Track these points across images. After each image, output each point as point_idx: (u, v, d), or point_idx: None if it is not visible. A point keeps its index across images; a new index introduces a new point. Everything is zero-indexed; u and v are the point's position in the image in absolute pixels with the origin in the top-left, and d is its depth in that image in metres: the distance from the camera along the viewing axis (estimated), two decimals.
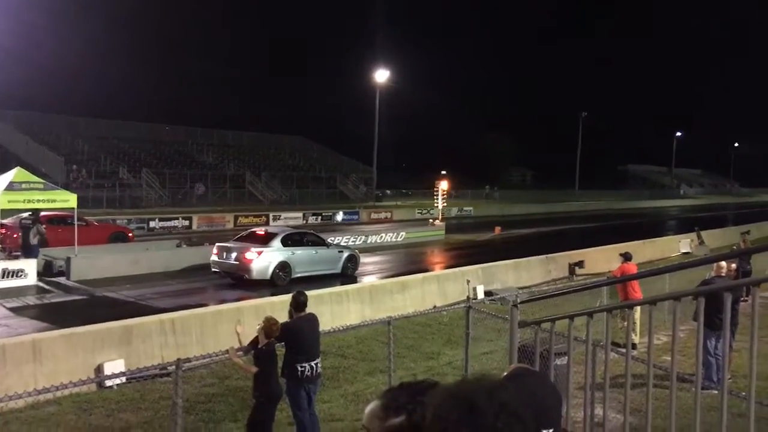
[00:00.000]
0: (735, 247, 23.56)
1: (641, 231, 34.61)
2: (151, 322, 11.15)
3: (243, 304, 13.27)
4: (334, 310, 14.20)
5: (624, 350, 4.87)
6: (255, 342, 7.44)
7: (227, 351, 7.61)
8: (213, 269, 20.23)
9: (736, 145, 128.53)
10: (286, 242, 20.39)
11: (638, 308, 11.95)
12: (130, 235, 27.51)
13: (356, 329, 11.43)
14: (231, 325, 11.82)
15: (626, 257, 13.67)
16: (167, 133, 62.92)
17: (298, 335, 7.62)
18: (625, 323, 10.44)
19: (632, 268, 13.46)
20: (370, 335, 12.84)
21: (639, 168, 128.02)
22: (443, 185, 39.98)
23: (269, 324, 7.38)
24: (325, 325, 9.59)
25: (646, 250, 27.06)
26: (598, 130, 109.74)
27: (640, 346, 12.11)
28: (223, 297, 18.58)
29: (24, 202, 20.40)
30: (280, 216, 41.84)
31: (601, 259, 23.13)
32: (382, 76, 60.98)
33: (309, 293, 8.25)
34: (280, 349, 7.75)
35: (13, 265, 18.65)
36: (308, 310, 7.91)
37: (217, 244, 20.78)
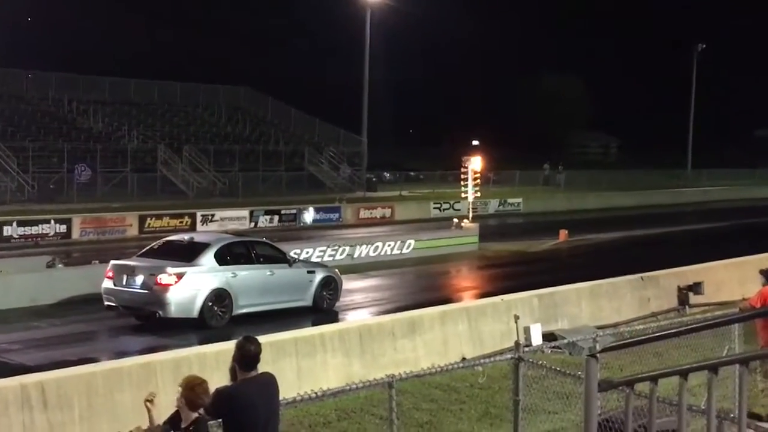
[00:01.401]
0: None
1: None
2: (8, 389, 11.13)
3: (155, 358, 13.26)
4: (303, 367, 14.19)
5: None
6: (176, 419, 7.43)
7: None
8: (107, 302, 20.21)
9: None
10: (223, 258, 20.38)
11: None
12: None
13: (338, 396, 11.40)
14: (136, 393, 11.82)
15: None
16: (30, 82, 62.89)
17: (245, 408, 7.62)
18: None
19: None
20: (361, 406, 12.82)
21: None
22: (475, 164, 39.98)
23: (191, 388, 7.36)
24: (288, 390, 9.57)
25: None
26: (723, 73, 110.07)
27: None
28: (122, 347, 18.47)
29: None
30: (213, 215, 41.87)
31: (730, 280, 23.11)
32: None
33: (263, 339, 8.24)
34: (216, 429, 7.74)
35: None
36: (262, 367, 7.92)
37: (112, 262, 20.76)
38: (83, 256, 29.12)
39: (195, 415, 7.35)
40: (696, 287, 22.36)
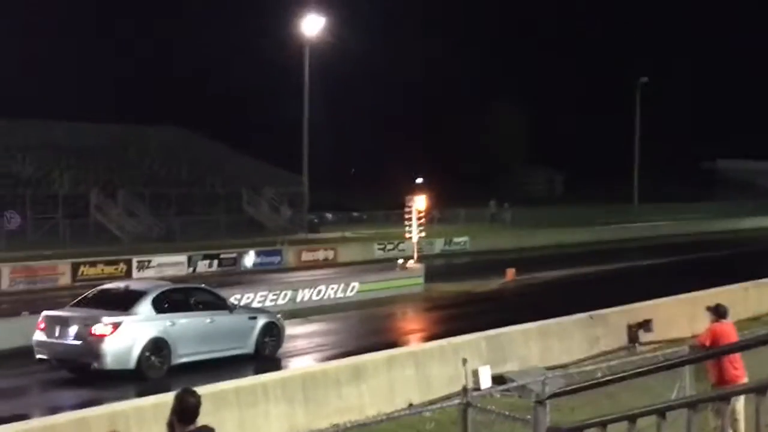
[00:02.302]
0: None
1: (743, 268, 35.21)
2: None
3: (90, 413, 13.10)
4: (245, 418, 14.11)
5: None
6: None
7: None
8: (38, 355, 19.98)
9: None
10: (161, 305, 20.24)
11: (741, 398, 12.05)
12: None
13: None
14: None
15: (719, 313, 13.81)
16: None
17: None
18: (720, 422, 10.55)
19: (729, 331, 13.63)
20: None
21: (736, 165, 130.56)
22: (419, 202, 40.14)
23: None
24: None
25: (751, 301, 27.49)
26: (668, 105, 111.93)
27: None
28: (55, 402, 18.26)
29: None
30: (150, 261, 41.55)
31: (680, 317, 23.35)
32: (313, 25, 61.41)
33: (203, 390, 8.21)
34: None
35: None
36: (202, 419, 7.87)
37: (44, 313, 20.52)
38: (13, 307, 28.69)
39: None
40: (646, 325, 22.59)
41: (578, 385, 6.46)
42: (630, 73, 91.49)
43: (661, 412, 4.68)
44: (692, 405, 4.78)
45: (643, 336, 22.50)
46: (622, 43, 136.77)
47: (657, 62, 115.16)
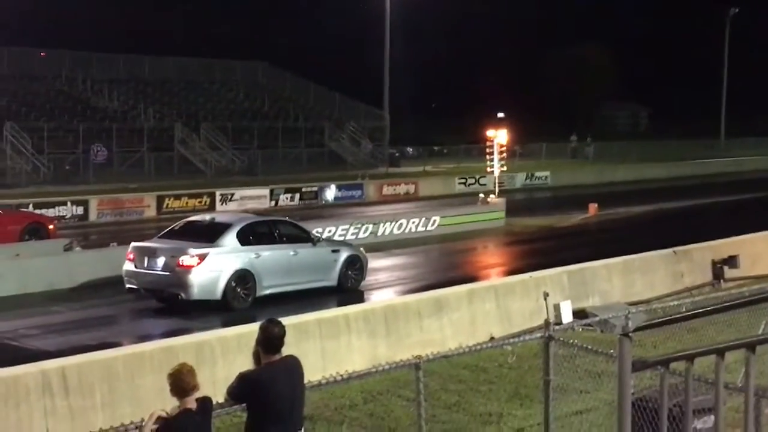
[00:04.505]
0: None
1: None
2: (29, 375, 11.24)
3: (177, 342, 13.35)
4: (327, 348, 14.27)
5: None
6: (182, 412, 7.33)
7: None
8: (128, 285, 20.36)
9: None
10: (246, 238, 20.48)
11: None
12: (50, 227, 27.80)
13: (364, 378, 11.45)
14: (157, 377, 11.90)
15: None
16: (43, 61, 63.13)
17: (269, 392, 7.66)
18: None
19: None
20: (387, 388, 12.86)
21: None
22: (501, 137, 39.90)
23: (178, 375, 7.28)
24: (312, 372, 9.62)
25: None
26: (757, 38, 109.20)
27: None
28: (144, 331, 18.65)
29: None
30: (233, 195, 42.01)
31: (767, 253, 23.01)
32: None
33: (286, 321, 8.28)
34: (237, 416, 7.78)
35: None
36: (286, 349, 7.96)
37: (132, 244, 20.88)
38: (101, 239, 29.32)
39: (192, 402, 7.29)
40: (731, 261, 22.31)
41: (664, 319, 6.38)
42: (719, 4, 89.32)
43: (751, 346, 4.61)
44: None
45: (728, 272, 22.25)
46: None
47: None
